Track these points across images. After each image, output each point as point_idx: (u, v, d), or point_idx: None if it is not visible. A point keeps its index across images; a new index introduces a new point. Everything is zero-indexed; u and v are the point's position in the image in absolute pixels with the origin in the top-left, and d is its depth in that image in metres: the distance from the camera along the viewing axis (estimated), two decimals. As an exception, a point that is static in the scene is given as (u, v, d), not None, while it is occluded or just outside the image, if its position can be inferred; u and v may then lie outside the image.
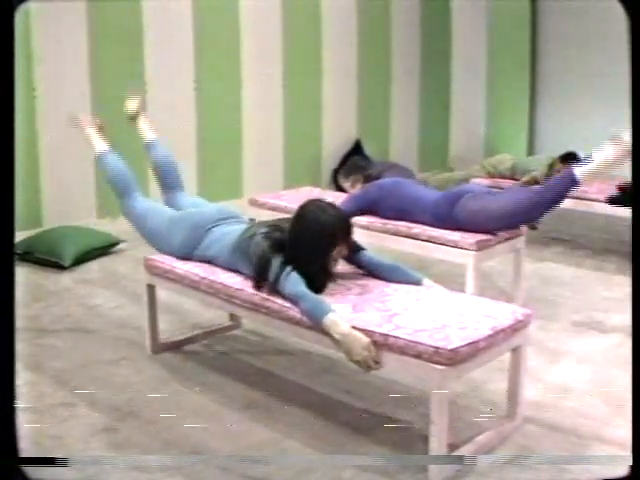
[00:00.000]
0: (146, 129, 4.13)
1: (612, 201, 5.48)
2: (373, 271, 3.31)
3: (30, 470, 2.18)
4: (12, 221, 2.11)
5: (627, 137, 3.79)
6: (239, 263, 3.33)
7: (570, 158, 6.25)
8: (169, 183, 3.96)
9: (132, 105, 4.19)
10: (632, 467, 2.13)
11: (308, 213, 3.10)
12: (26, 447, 2.23)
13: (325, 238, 3.04)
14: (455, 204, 4.25)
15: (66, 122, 4.14)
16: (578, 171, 3.90)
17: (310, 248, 3.05)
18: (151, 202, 3.88)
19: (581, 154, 6.34)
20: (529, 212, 4.16)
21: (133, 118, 4.18)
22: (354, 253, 3.30)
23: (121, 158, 3.93)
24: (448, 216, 4.26)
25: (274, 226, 3.23)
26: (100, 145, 3.97)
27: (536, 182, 6.18)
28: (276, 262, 3.04)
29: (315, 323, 2.85)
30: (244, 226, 3.45)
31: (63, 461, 2.60)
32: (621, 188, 5.41)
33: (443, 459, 2.63)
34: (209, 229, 3.56)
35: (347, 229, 3.11)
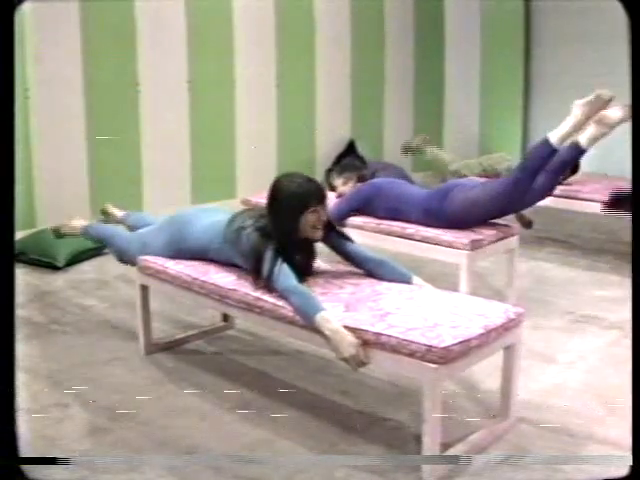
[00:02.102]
0: (116, 211, 4.47)
1: (608, 205, 5.46)
2: (362, 265, 3.33)
3: (26, 470, 2.18)
4: (12, 224, 2.11)
5: (604, 92, 3.87)
6: (231, 254, 3.35)
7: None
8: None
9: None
10: (632, 467, 2.13)
11: (278, 184, 3.18)
12: (20, 447, 2.22)
13: (294, 202, 3.10)
14: (445, 197, 4.28)
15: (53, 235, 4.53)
16: (552, 136, 3.97)
17: (281, 215, 3.13)
18: (135, 231, 4.06)
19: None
20: (513, 191, 4.17)
21: (105, 211, 4.52)
22: (341, 241, 3.33)
23: (99, 223, 4.35)
24: (439, 210, 4.28)
25: (260, 215, 3.26)
26: (80, 223, 4.29)
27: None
28: (268, 255, 3.06)
29: (306, 319, 2.86)
30: (229, 215, 3.46)
31: (63, 461, 2.60)
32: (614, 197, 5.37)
33: (436, 459, 2.64)
34: (193, 222, 3.59)
35: (317, 192, 3.15)
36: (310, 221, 3.12)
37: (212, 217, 3.56)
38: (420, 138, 6.97)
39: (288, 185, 3.14)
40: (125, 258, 3.92)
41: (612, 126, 4.05)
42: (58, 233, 4.43)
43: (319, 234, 3.21)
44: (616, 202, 5.36)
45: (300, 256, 3.23)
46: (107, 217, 4.50)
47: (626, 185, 4.91)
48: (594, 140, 4.12)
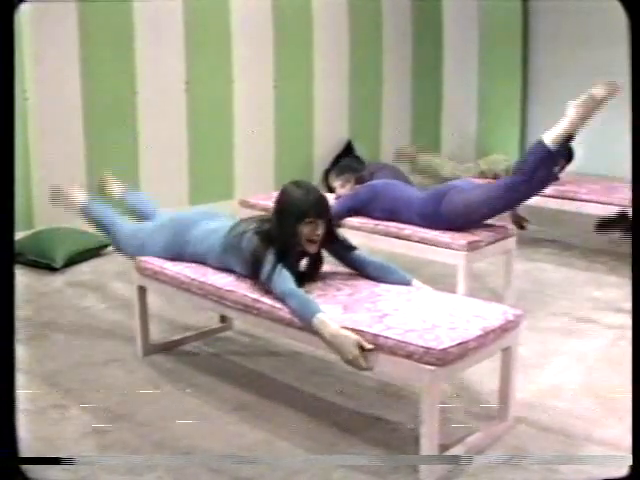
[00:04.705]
0: (115, 188, 4.32)
1: (600, 225, 5.47)
2: (363, 270, 3.32)
3: (26, 470, 2.18)
4: (12, 224, 2.10)
5: (597, 91, 3.83)
6: (231, 261, 3.34)
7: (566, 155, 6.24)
8: (148, 215, 4.03)
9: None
10: (632, 467, 2.13)
11: (284, 190, 3.18)
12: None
13: (293, 211, 3.08)
14: (441, 201, 4.28)
15: (51, 197, 4.35)
16: (547, 137, 3.94)
17: (281, 222, 3.12)
18: (136, 224, 3.99)
19: (575, 150, 6.34)
20: (509, 193, 4.18)
21: (102, 188, 4.37)
22: (345, 251, 3.31)
23: (102, 203, 4.09)
24: (435, 214, 4.28)
25: (262, 220, 3.26)
26: (80, 197, 4.10)
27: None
28: (268, 259, 3.05)
29: (304, 322, 2.85)
30: (230, 222, 3.46)
31: (63, 461, 2.59)
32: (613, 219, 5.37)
33: (434, 459, 2.64)
34: (194, 226, 3.57)
35: (318, 206, 3.11)
36: (304, 232, 3.09)
37: (212, 222, 3.56)
38: (413, 148, 7.02)
39: (291, 192, 3.12)
40: (122, 253, 3.92)
41: (598, 104, 3.94)
42: (56, 199, 4.30)
43: (313, 248, 3.16)
44: (606, 224, 5.38)
45: (302, 263, 3.21)
46: (105, 194, 4.36)
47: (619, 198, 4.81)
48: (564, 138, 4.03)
